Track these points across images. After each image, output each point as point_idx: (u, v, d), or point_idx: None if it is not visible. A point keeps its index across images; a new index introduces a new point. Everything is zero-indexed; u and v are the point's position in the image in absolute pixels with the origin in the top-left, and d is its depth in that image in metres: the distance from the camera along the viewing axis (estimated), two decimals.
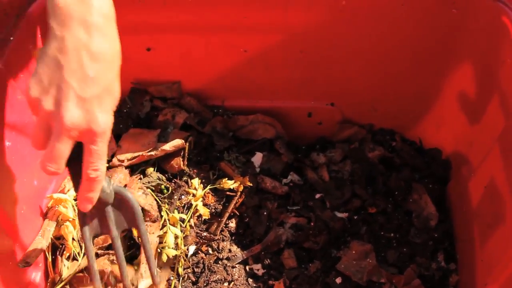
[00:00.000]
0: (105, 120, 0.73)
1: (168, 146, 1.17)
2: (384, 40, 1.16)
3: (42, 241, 1.04)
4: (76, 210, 1.06)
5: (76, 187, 0.80)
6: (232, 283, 1.09)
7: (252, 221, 1.18)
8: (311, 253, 1.15)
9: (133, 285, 1.03)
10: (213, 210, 1.17)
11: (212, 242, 1.14)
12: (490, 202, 1.02)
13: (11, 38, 0.98)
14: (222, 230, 1.16)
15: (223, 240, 1.15)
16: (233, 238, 1.16)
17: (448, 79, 1.19)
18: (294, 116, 1.31)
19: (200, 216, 1.16)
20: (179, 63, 1.22)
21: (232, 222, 1.18)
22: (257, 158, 1.26)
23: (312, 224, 1.18)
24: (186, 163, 1.20)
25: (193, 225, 1.14)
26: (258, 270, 1.13)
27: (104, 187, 0.84)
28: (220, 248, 1.13)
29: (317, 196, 1.23)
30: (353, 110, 1.30)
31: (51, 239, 1.06)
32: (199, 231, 1.14)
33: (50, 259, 1.06)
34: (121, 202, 0.90)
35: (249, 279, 1.11)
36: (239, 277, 1.11)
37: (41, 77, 0.71)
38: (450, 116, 1.21)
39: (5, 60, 0.96)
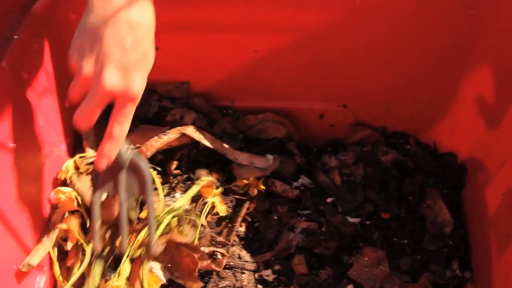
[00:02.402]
0: (140, 85, 0.78)
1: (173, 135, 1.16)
2: (399, 41, 1.13)
3: (47, 243, 1.02)
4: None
5: (97, 145, 0.84)
6: None
7: (262, 225, 1.15)
8: (322, 259, 1.12)
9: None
10: (222, 215, 1.15)
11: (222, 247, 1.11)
12: (509, 211, 0.99)
13: (15, 37, 0.96)
14: (230, 235, 1.14)
15: (232, 245, 1.12)
16: (242, 243, 1.14)
17: (465, 82, 1.16)
18: (306, 117, 1.29)
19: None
20: (188, 63, 1.20)
21: (241, 227, 1.15)
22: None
23: (323, 229, 1.15)
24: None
25: (205, 224, 1.12)
26: (268, 276, 1.10)
27: (122, 149, 0.87)
28: (230, 254, 1.11)
29: (329, 200, 1.21)
30: (366, 112, 1.28)
31: (57, 240, 1.04)
32: (214, 235, 1.11)
33: (55, 258, 1.04)
34: (135, 170, 0.92)
35: (258, 285, 1.08)
36: (248, 283, 1.08)
37: (81, 46, 0.77)
38: (467, 119, 1.18)
39: (8, 59, 0.93)
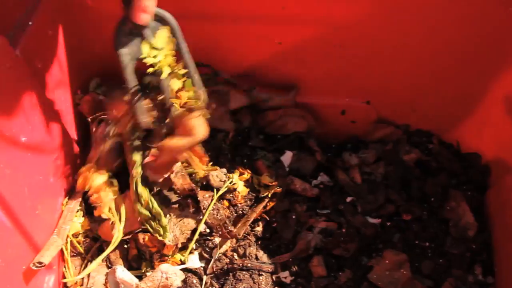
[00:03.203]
0: None
1: None
2: (429, 37, 1.08)
3: (58, 240, 0.98)
4: None
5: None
6: None
7: (280, 225, 1.12)
8: (341, 261, 1.09)
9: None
10: (240, 212, 1.11)
11: (238, 247, 1.08)
12: None
13: (30, 23, 0.90)
14: (247, 234, 1.10)
15: (249, 246, 1.08)
16: (259, 243, 1.10)
17: (496, 81, 1.12)
18: (327, 113, 1.25)
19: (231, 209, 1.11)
20: (209, 53, 1.15)
21: (258, 226, 1.11)
22: (287, 157, 1.20)
23: (343, 230, 1.11)
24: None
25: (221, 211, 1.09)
26: (285, 277, 1.07)
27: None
28: (247, 254, 1.07)
29: (348, 199, 1.17)
30: (389, 109, 1.24)
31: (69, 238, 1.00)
32: (227, 223, 1.07)
33: (69, 256, 1.00)
34: (159, 24, 0.90)
35: (276, 287, 1.05)
36: (266, 286, 1.04)
37: None
38: (495, 120, 1.14)
39: (22, 46, 0.88)
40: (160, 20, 0.89)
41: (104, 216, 1.02)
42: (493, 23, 1.04)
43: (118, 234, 1.00)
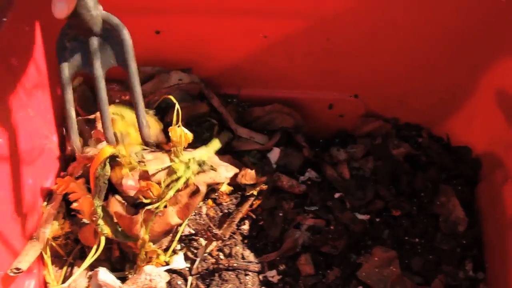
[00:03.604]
0: None
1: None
2: (418, 29, 1.06)
3: (37, 245, 0.95)
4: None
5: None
6: None
7: (267, 223, 1.09)
8: (329, 259, 1.07)
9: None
10: (226, 211, 1.08)
11: (224, 247, 1.05)
12: None
13: (4, 20, 0.87)
14: (233, 233, 1.08)
15: (235, 245, 1.06)
16: (245, 241, 1.08)
17: (486, 74, 1.10)
18: (314, 107, 1.23)
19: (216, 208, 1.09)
20: (191, 48, 1.12)
21: (245, 225, 1.09)
22: (274, 154, 1.18)
23: (331, 226, 1.09)
24: None
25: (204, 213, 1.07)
26: (273, 277, 1.05)
27: (90, 6, 0.73)
28: (233, 254, 1.05)
29: (337, 195, 1.15)
30: (378, 102, 1.22)
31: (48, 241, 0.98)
32: (211, 226, 1.05)
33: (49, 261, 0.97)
34: (109, 34, 0.78)
35: (263, 287, 1.03)
36: (252, 285, 1.02)
37: None
38: (485, 114, 1.12)
39: None
40: (110, 29, 0.78)
41: (86, 221, 0.99)
42: (483, 14, 1.02)
43: (101, 244, 0.98)
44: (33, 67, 0.94)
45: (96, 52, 0.78)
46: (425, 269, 1.06)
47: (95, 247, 0.98)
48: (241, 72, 1.17)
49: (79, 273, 0.98)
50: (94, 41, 0.78)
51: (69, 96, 0.80)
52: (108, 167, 0.98)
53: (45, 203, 1.01)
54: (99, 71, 0.79)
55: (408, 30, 1.07)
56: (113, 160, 1.00)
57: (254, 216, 1.10)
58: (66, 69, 0.79)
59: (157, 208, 0.99)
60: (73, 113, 0.80)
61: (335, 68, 1.15)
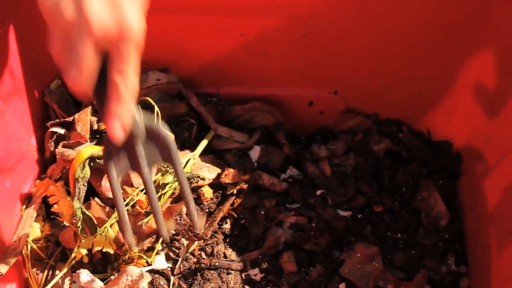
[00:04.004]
0: (136, 17, 0.63)
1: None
2: (396, 24, 1.07)
3: (16, 248, 0.95)
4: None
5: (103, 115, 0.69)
6: None
7: (248, 221, 1.09)
8: (312, 256, 1.07)
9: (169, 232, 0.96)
10: (206, 210, 1.08)
11: (206, 246, 1.05)
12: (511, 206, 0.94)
13: None
14: (215, 232, 1.08)
15: (217, 244, 1.06)
16: (227, 240, 1.08)
17: (465, 67, 1.10)
18: (294, 104, 1.23)
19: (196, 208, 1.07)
20: (168, 47, 1.12)
21: (226, 223, 1.09)
22: (255, 152, 1.18)
23: (313, 224, 1.09)
24: None
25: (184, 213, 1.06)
26: (255, 275, 1.04)
27: (134, 114, 0.73)
28: (215, 253, 1.05)
29: (318, 192, 1.15)
30: (357, 98, 1.22)
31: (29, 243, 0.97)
32: (191, 226, 1.04)
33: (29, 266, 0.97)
34: (151, 138, 0.79)
35: (245, 286, 1.03)
36: (235, 284, 1.02)
37: None
38: (464, 107, 1.13)
39: None
40: (153, 134, 0.79)
41: (66, 223, 0.99)
42: (460, 9, 1.02)
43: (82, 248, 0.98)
44: (8, 72, 0.94)
45: (141, 154, 0.79)
46: (407, 264, 1.07)
47: (75, 249, 0.97)
48: (220, 70, 1.17)
49: (60, 276, 0.98)
50: (139, 145, 0.79)
51: (120, 198, 0.81)
52: (87, 169, 0.98)
53: (24, 206, 1.01)
54: (146, 169, 0.80)
55: (384, 26, 1.07)
56: (93, 162, 1.00)
57: (235, 215, 1.10)
58: (115, 174, 0.80)
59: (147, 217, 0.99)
60: (125, 214, 0.82)
61: (313, 65, 1.15)
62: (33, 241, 0.99)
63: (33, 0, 0.94)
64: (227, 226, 1.09)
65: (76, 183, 0.97)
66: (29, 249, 0.98)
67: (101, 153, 0.97)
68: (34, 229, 0.99)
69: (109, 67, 0.65)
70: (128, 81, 0.65)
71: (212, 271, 1.03)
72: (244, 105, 1.20)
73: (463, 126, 1.15)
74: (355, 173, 1.17)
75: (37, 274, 1.00)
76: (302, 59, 1.14)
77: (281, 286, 1.03)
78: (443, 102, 1.18)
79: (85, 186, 0.98)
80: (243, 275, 1.04)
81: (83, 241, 0.97)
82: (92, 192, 1.02)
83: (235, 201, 1.10)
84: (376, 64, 1.14)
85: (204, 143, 1.13)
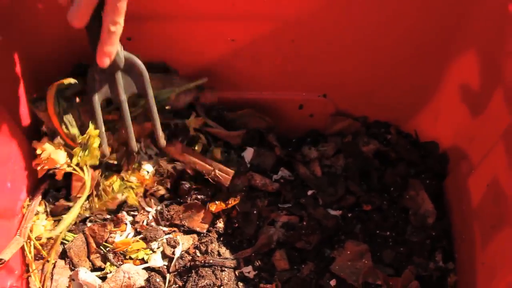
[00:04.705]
0: None
1: None
2: (381, 29, 1.10)
3: (20, 239, 0.99)
4: None
5: (94, 45, 0.88)
6: (222, 287, 1.04)
7: (242, 220, 1.13)
8: (304, 254, 1.10)
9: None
10: None
11: (200, 245, 1.08)
12: (494, 202, 0.97)
13: None
14: (209, 231, 1.11)
15: (211, 242, 1.09)
16: (221, 239, 1.11)
17: (448, 70, 1.14)
18: (285, 108, 1.26)
19: None
20: (162, 54, 1.15)
21: (220, 222, 1.12)
22: (248, 153, 1.21)
23: (304, 223, 1.12)
24: None
25: None
26: (248, 272, 1.07)
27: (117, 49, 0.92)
28: (209, 251, 1.08)
29: (309, 192, 1.18)
30: (346, 101, 1.25)
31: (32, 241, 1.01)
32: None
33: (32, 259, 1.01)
34: (130, 68, 0.97)
35: (239, 283, 1.06)
36: (228, 281, 1.05)
37: None
38: (449, 108, 1.16)
39: None
40: (130, 64, 0.97)
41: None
42: (441, 12, 1.06)
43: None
44: (7, 75, 0.98)
45: (120, 82, 0.97)
46: (396, 261, 1.09)
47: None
48: (212, 75, 1.19)
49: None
50: (119, 74, 0.97)
51: (100, 117, 1.00)
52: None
53: (27, 202, 1.05)
54: (124, 97, 0.99)
55: (370, 31, 1.11)
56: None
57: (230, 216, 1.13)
58: (96, 97, 0.98)
59: None
60: (103, 128, 1.02)
61: (302, 69, 1.19)
62: (36, 238, 1.02)
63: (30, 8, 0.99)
64: (220, 225, 1.12)
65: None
66: (32, 245, 1.01)
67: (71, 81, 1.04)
68: (37, 227, 1.03)
69: (104, 15, 0.83)
70: (118, 25, 0.85)
71: (206, 268, 1.05)
72: (237, 112, 1.24)
73: (449, 127, 1.18)
74: (344, 174, 1.20)
75: (37, 271, 1.03)
76: (291, 64, 1.18)
77: (274, 283, 1.05)
78: (429, 104, 1.21)
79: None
80: (236, 272, 1.07)
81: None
82: None
83: (229, 202, 1.13)
84: (363, 68, 1.18)
85: None
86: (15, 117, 1.02)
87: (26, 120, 1.06)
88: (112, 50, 0.88)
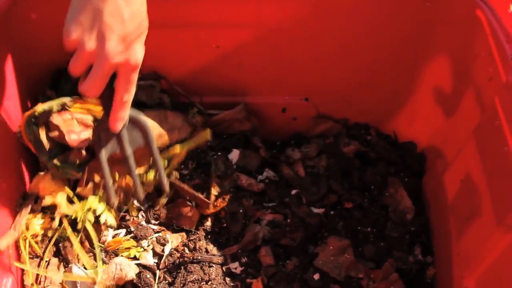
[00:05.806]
0: (140, 53, 0.85)
1: None
2: (357, 35, 1.16)
3: (14, 233, 1.03)
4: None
5: (107, 111, 0.90)
6: (210, 282, 1.08)
7: (228, 219, 1.17)
8: (288, 250, 1.14)
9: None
10: None
11: (189, 242, 1.13)
12: (467, 196, 1.02)
13: None
14: (197, 229, 1.15)
15: (199, 240, 1.13)
16: (209, 237, 1.15)
17: (422, 73, 1.19)
18: (269, 111, 1.30)
19: None
20: (149, 61, 1.16)
21: (207, 221, 1.16)
22: (234, 155, 1.25)
23: (288, 220, 1.16)
24: None
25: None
26: (235, 268, 1.11)
27: None
28: (197, 248, 1.12)
29: (293, 192, 1.22)
30: (327, 105, 1.29)
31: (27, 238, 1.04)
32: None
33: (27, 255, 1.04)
34: (134, 124, 0.98)
35: (226, 278, 1.10)
36: (216, 276, 1.09)
37: (80, 22, 0.79)
38: (425, 109, 1.21)
39: None
40: (134, 120, 0.98)
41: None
42: (413, 18, 1.12)
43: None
44: (2, 83, 1.03)
45: (126, 138, 0.98)
46: (377, 255, 1.13)
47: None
48: (199, 81, 1.23)
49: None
50: (124, 131, 0.97)
51: (107, 172, 1.00)
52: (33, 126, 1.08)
53: (21, 201, 1.08)
54: (130, 151, 1.00)
55: (348, 37, 1.16)
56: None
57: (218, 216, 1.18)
58: (104, 153, 0.98)
59: None
60: (111, 182, 1.02)
61: (284, 74, 1.23)
62: (31, 237, 1.05)
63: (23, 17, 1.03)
64: (208, 223, 1.16)
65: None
66: (27, 243, 1.04)
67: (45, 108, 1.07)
68: (33, 225, 1.05)
69: (117, 86, 0.85)
70: (130, 94, 0.87)
71: (194, 265, 1.09)
72: (220, 115, 1.27)
73: (425, 128, 1.23)
74: (327, 174, 1.24)
75: (32, 268, 1.06)
76: (274, 69, 1.22)
77: (260, 277, 1.08)
78: (405, 106, 1.26)
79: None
80: (224, 268, 1.11)
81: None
82: None
83: (216, 204, 1.17)
84: (342, 73, 1.22)
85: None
86: (9, 122, 1.06)
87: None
88: (125, 116, 0.91)
